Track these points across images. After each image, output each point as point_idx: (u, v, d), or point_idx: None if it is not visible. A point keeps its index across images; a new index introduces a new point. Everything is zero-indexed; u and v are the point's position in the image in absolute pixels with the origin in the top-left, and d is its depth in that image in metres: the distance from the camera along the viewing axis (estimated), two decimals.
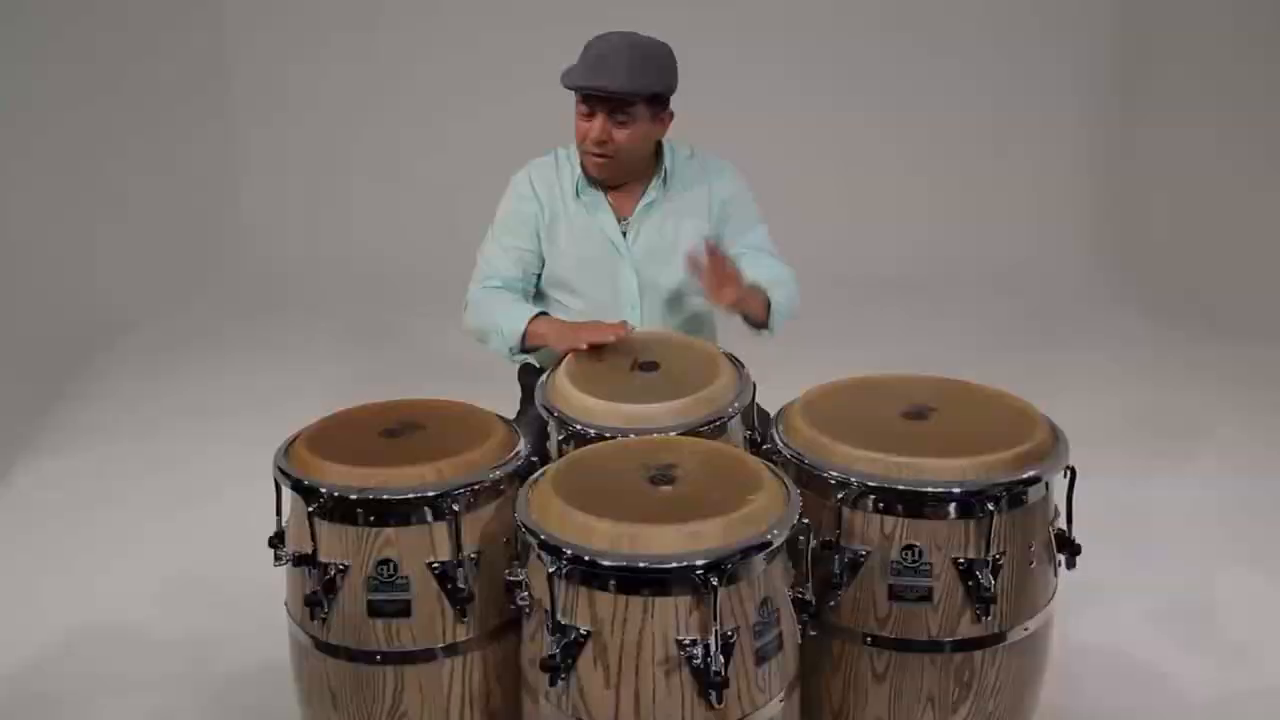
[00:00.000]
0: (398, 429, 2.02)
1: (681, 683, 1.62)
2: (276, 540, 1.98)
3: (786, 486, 1.78)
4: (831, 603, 1.87)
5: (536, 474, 1.87)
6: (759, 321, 2.44)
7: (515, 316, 2.44)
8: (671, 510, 1.67)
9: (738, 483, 1.76)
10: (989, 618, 1.84)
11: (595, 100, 2.39)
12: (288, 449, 1.98)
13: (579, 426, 2.02)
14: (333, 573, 1.86)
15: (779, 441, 1.97)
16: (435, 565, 1.85)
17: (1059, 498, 1.96)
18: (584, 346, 2.27)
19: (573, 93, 2.43)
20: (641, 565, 1.60)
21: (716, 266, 2.24)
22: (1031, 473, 1.85)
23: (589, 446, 1.96)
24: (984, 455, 1.83)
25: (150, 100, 5.55)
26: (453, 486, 1.85)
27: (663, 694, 1.63)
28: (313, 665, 1.95)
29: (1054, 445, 1.91)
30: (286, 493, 1.94)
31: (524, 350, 2.46)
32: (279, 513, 2.00)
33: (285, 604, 2.01)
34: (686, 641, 1.61)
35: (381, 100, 5.90)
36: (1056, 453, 1.90)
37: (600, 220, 2.54)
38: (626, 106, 2.38)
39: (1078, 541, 1.94)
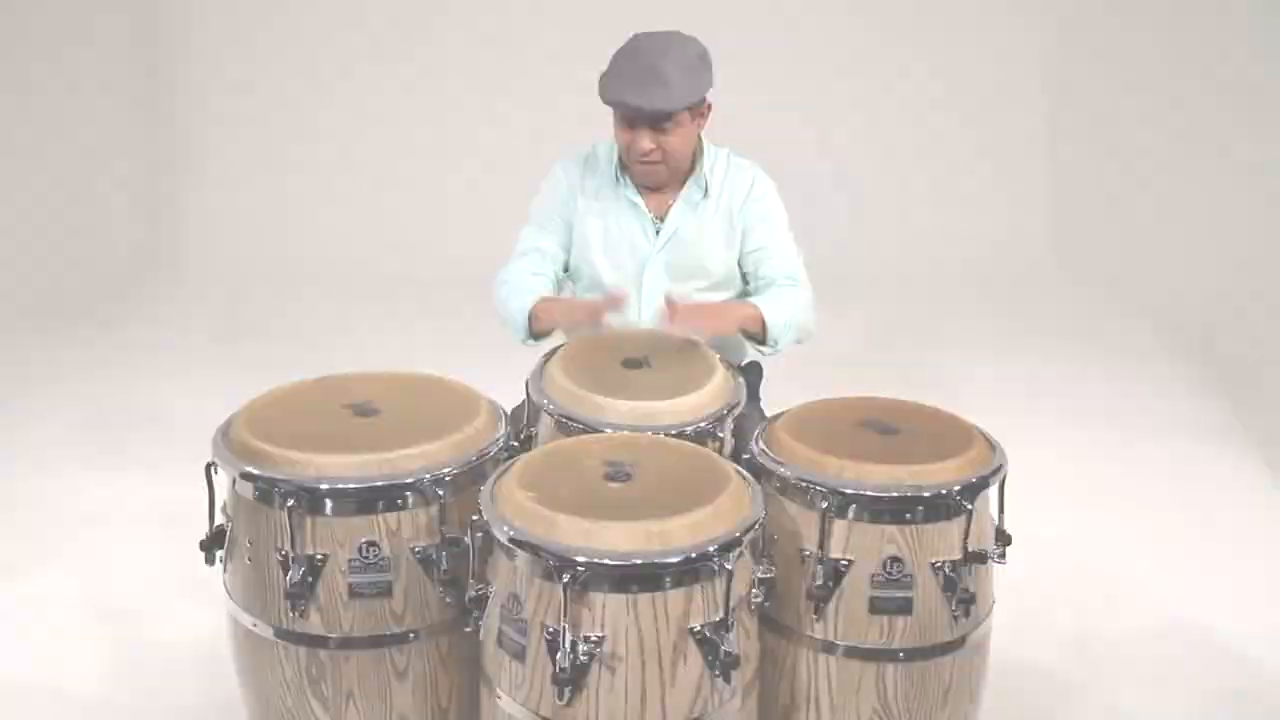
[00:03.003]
0: (361, 407, 1.98)
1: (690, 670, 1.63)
2: (213, 541, 1.94)
3: (751, 486, 1.80)
4: (815, 615, 1.87)
5: (502, 468, 1.84)
6: (757, 339, 2.41)
7: (522, 302, 2.39)
8: (629, 507, 1.67)
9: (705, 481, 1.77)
10: (966, 619, 1.88)
11: (639, 113, 2.33)
12: (228, 437, 1.91)
13: (560, 416, 2.03)
14: (319, 563, 1.82)
15: (757, 451, 1.96)
16: (418, 549, 1.84)
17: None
18: (602, 317, 2.28)
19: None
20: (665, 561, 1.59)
21: (684, 316, 2.22)
22: (997, 465, 1.91)
23: (558, 442, 1.94)
24: (960, 457, 1.89)
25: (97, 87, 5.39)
26: (442, 468, 1.85)
27: (671, 684, 1.63)
28: (278, 656, 1.89)
29: (991, 450, 1.96)
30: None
31: (534, 336, 2.42)
32: (212, 512, 1.95)
33: (230, 597, 1.95)
34: (697, 629, 1.62)
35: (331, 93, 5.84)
36: (996, 455, 1.95)
37: (633, 217, 2.50)
38: (671, 115, 2.33)
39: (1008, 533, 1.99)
